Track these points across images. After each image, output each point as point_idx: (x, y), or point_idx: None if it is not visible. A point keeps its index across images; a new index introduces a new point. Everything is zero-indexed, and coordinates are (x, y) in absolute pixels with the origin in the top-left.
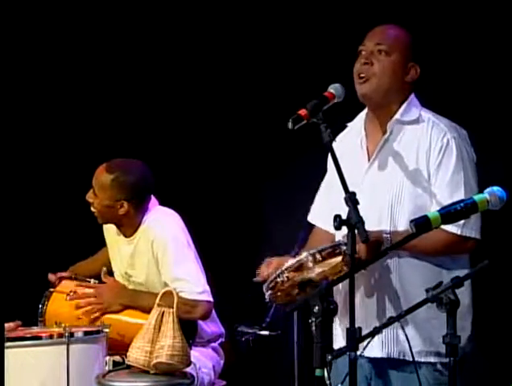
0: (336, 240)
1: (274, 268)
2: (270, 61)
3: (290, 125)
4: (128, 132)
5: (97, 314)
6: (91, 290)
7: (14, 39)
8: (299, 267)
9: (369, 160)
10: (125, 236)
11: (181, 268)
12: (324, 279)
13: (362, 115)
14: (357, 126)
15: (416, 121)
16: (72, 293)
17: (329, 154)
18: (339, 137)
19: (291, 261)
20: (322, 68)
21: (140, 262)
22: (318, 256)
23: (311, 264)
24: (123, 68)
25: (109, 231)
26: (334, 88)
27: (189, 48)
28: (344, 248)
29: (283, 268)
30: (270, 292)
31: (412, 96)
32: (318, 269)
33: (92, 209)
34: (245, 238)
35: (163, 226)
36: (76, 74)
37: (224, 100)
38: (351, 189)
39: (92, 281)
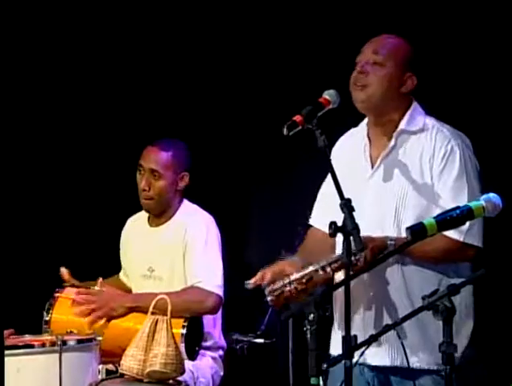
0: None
1: (276, 274)
2: (266, 67)
3: (285, 130)
4: (127, 132)
5: (101, 321)
6: (93, 297)
7: (20, 36)
8: (309, 279)
9: (372, 167)
10: (158, 225)
11: (207, 258)
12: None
13: (365, 122)
14: (360, 132)
15: (421, 130)
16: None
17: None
18: (341, 140)
19: (300, 273)
20: (317, 75)
21: (168, 251)
22: (328, 269)
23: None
24: (121, 70)
25: (133, 228)
26: (329, 94)
27: (190, 50)
28: (353, 258)
29: (292, 279)
30: (271, 297)
31: (415, 105)
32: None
33: (145, 200)
34: (239, 247)
35: (199, 216)
36: (72, 78)
37: (220, 105)
38: (354, 195)
39: (94, 287)
